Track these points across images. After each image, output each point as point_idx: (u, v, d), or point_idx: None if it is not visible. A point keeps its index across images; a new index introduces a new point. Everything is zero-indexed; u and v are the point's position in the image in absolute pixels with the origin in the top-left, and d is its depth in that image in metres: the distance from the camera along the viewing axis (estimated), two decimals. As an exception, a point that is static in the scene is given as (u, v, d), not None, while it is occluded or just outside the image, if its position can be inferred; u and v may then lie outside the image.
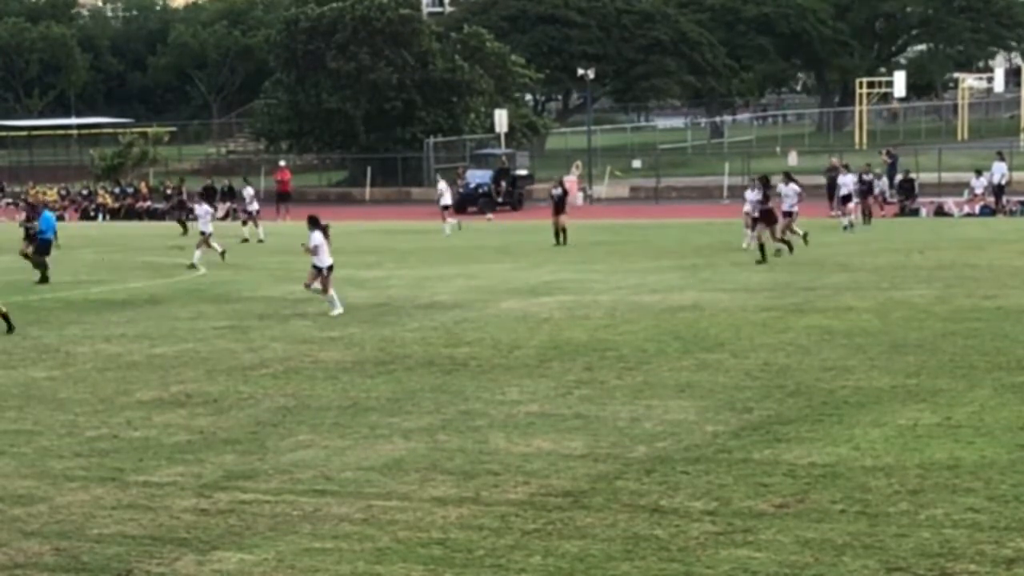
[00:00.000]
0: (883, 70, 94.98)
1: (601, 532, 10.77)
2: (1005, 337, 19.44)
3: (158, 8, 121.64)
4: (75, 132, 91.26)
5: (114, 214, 66.49)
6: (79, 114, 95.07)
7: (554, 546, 10.45)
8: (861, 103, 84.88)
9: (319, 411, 15.82)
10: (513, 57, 78.00)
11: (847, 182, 42.04)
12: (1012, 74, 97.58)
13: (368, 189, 70.58)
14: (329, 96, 72.61)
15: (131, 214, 65.06)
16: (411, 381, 17.55)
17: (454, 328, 22.18)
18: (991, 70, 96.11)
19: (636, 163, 73.38)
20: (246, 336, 22.00)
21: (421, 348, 20.18)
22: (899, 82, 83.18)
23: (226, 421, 15.45)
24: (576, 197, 63.73)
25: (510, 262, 34.11)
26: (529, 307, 24.65)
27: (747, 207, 34.53)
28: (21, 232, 34.50)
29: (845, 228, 40.52)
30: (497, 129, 69.13)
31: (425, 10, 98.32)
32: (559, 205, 39.75)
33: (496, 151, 67.05)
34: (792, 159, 67.41)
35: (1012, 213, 50.54)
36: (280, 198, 59.24)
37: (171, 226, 57.16)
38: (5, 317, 23.20)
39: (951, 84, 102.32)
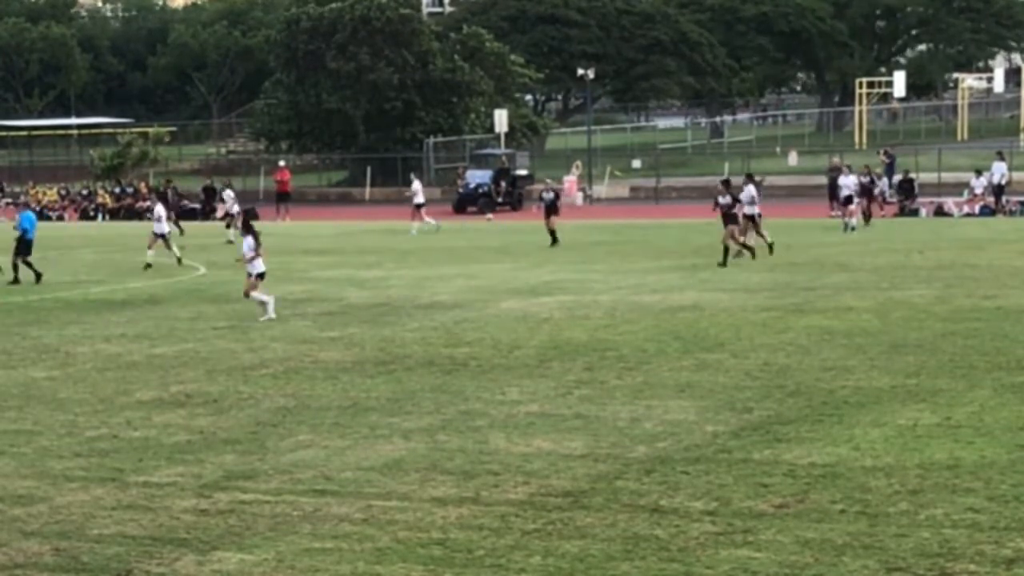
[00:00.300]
0: (883, 70, 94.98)
1: (601, 532, 10.77)
2: (1005, 337, 19.44)
3: (158, 7, 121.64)
4: (75, 132, 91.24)
5: (114, 214, 66.47)
6: (79, 114, 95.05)
7: (554, 546, 10.45)
8: (861, 103, 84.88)
9: (319, 411, 15.82)
10: (513, 57, 77.99)
11: (849, 183, 41.91)
12: (1012, 74, 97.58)
13: (368, 189, 70.58)
14: (329, 96, 72.61)
15: (131, 214, 65.02)
16: (411, 381, 17.55)
17: (454, 328, 22.18)
18: (991, 70, 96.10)
19: (636, 163, 73.35)
20: (246, 336, 22.00)
21: (421, 348, 20.18)
22: (899, 82, 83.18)
23: (226, 421, 15.45)
24: (576, 197, 63.75)
25: (510, 262, 34.11)
26: (529, 307, 24.65)
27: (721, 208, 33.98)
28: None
29: (845, 229, 40.22)
30: (497, 129, 69.12)
31: (425, 10, 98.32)
32: (550, 208, 39.62)
33: (496, 151, 67.04)
34: (792, 159, 67.42)
35: (1012, 213, 50.52)
36: (280, 198, 59.25)
37: (170, 225, 57.14)
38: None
39: (951, 84, 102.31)
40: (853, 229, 40.23)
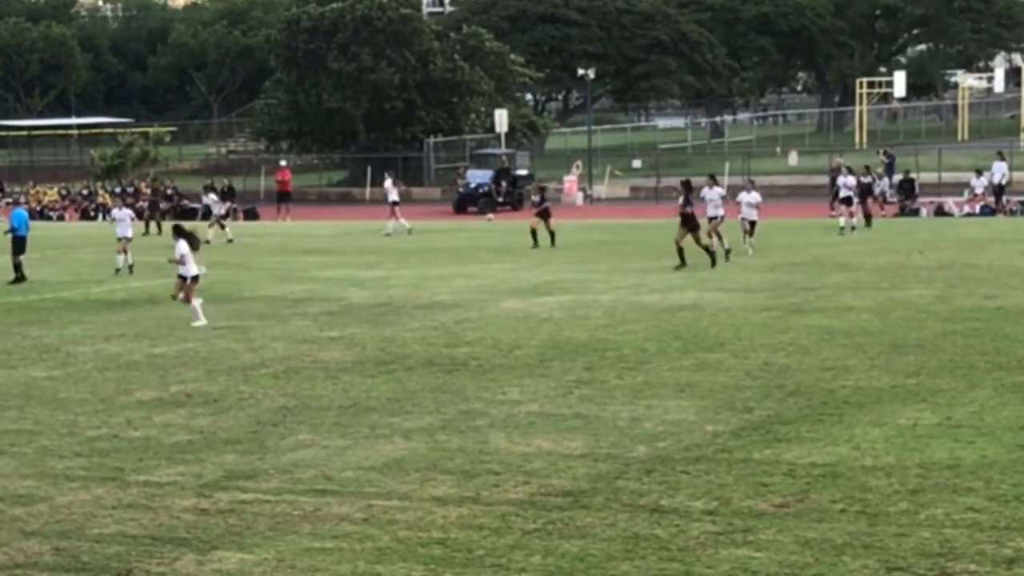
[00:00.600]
0: (883, 70, 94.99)
1: (601, 532, 10.77)
2: (1005, 337, 19.45)
3: (158, 7, 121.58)
4: (75, 132, 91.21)
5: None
6: (79, 114, 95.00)
7: (554, 546, 10.45)
8: (861, 103, 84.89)
9: (319, 411, 15.82)
10: (513, 57, 78.00)
11: (848, 183, 41.83)
12: (1012, 74, 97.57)
13: (368, 189, 70.57)
14: (330, 96, 72.63)
15: (153, 213, 64.86)
16: (411, 381, 17.55)
17: (454, 328, 22.18)
18: (991, 70, 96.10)
19: (636, 163, 73.36)
20: (246, 336, 22.00)
21: (421, 348, 20.18)
22: (899, 82, 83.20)
23: (226, 421, 15.45)
24: (576, 197, 63.77)
25: (510, 262, 34.11)
26: (529, 307, 24.65)
27: (710, 211, 33.06)
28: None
29: (842, 230, 39.94)
30: (497, 129, 69.12)
31: (425, 10, 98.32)
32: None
33: (496, 151, 67.04)
34: (792, 159, 67.43)
35: (1012, 213, 50.55)
36: (281, 198, 59.27)
37: (171, 226, 57.15)
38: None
39: (951, 84, 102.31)
40: (853, 229, 40.08)
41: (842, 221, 40.27)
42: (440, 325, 22.57)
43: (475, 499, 11.84)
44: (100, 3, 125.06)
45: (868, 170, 44.09)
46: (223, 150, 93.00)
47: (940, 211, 51.95)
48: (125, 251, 34.25)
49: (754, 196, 34.37)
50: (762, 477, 12.20)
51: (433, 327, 22.33)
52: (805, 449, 13.22)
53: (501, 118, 68.70)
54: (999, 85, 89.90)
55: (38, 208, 66.46)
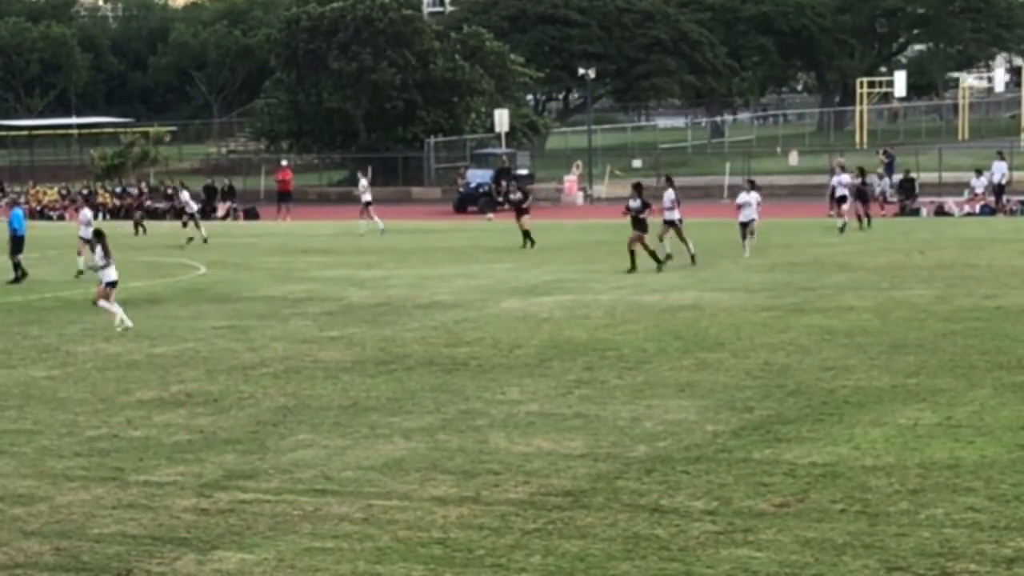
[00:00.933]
0: (883, 70, 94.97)
1: (601, 532, 10.77)
2: (1005, 337, 19.45)
3: (158, 7, 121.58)
4: (76, 132, 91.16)
5: (114, 214, 66.48)
6: (80, 114, 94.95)
7: (554, 546, 10.45)
8: (861, 103, 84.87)
9: (319, 411, 15.82)
10: (513, 57, 77.98)
11: (842, 181, 41.71)
12: (1012, 74, 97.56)
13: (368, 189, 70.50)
14: (330, 96, 72.62)
15: (131, 214, 65.00)
16: (411, 381, 17.55)
17: (454, 328, 22.18)
18: (991, 70, 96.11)
19: (636, 163, 73.26)
20: (246, 336, 22.00)
21: (421, 348, 20.18)
22: (899, 82, 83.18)
23: (226, 421, 15.45)
24: (576, 197, 63.76)
25: (510, 262, 34.10)
26: (529, 307, 24.65)
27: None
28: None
29: (841, 230, 39.75)
30: (497, 129, 69.10)
31: (426, 9, 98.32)
32: (519, 208, 39.07)
33: (496, 151, 67.03)
34: (793, 159, 67.41)
35: (1012, 213, 50.55)
36: (281, 198, 59.27)
37: (172, 225, 57.18)
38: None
39: (951, 84, 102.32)
40: (842, 229, 39.60)
41: (840, 222, 40.10)
42: (440, 325, 22.57)
43: (475, 499, 11.84)
44: (100, 3, 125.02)
45: (861, 171, 43.64)
46: (223, 150, 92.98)
47: (940, 211, 51.93)
48: (80, 253, 32.90)
49: (753, 196, 34.07)
50: (762, 477, 12.20)
51: (433, 327, 22.33)
52: (805, 449, 13.22)
53: (501, 118, 68.69)
54: (999, 85, 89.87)
55: (38, 208, 66.46)
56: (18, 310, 26.66)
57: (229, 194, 64.91)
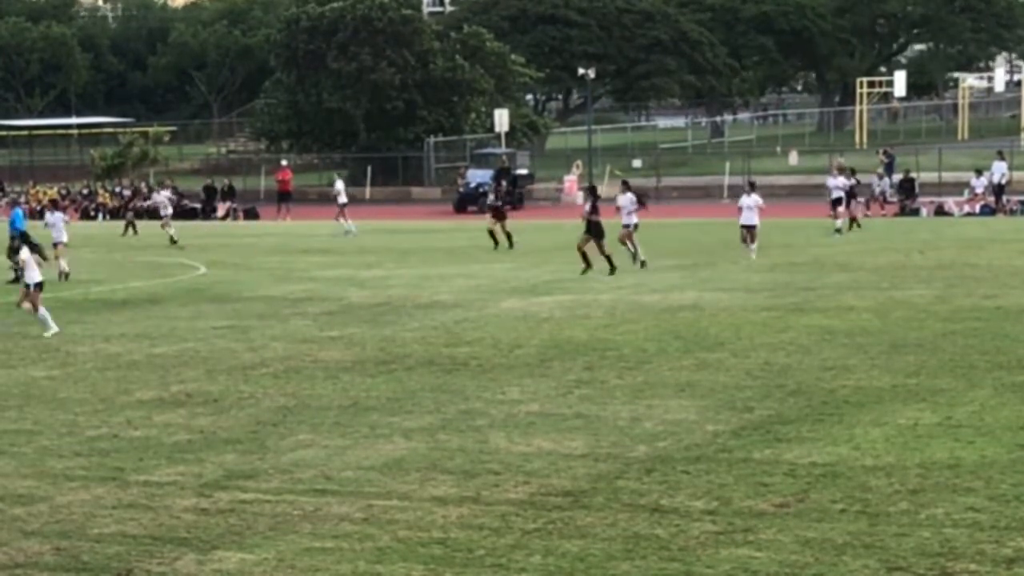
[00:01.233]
0: (883, 69, 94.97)
1: (601, 532, 10.76)
2: (1005, 337, 19.45)
3: (158, 7, 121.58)
4: (75, 132, 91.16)
5: (114, 214, 66.48)
6: (79, 114, 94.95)
7: (554, 546, 10.44)
8: (861, 103, 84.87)
9: (319, 411, 15.81)
10: (513, 57, 77.98)
11: (837, 184, 41.67)
12: (1012, 74, 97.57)
13: (368, 188, 70.58)
14: (330, 96, 72.63)
15: (135, 214, 64.98)
16: (411, 381, 17.54)
17: (454, 328, 22.18)
18: (991, 70, 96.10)
19: (636, 163, 73.30)
20: (246, 336, 21.99)
21: (421, 348, 20.17)
22: (899, 82, 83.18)
23: (226, 421, 15.45)
24: (576, 197, 63.74)
25: (510, 262, 34.10)
26: (529, 307, 24.65)
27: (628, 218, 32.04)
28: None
29: (838, 231, 39.67)
30: (497, 129, 69.12)
31: (425, 10, 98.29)
32: (495, 210, 38.55)
33: (496, 151, 67.04)
34: (793, 159, 67.42)
35: (1012, 213, 50.56)
36: (281, 198, 59.30)
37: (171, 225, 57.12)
38: None
39: (951, 84, 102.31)
40: (838, 231, 39.50)
41: (838, 223, 39.98)
42: (440, 325, 22.57)
43: (475, 499, 11.83)
44: (100, 3, 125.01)
45: (852, 173, 43.35)
46: (223, 150, 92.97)
47: (940, 211, 51.95)
48: (58, 257, 32.01)
49: (754, 199, 33.38)
50: (762, 477, 12.20)
51: (433, 327, 22.33)
52: (805, 449, 13.22)
53: (501, 118, 68.70)
54: (999, 85, 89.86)
55: (38, 208, 66.44)
56: (18, 310, 26.65)
57: (229, 194, 64.90)
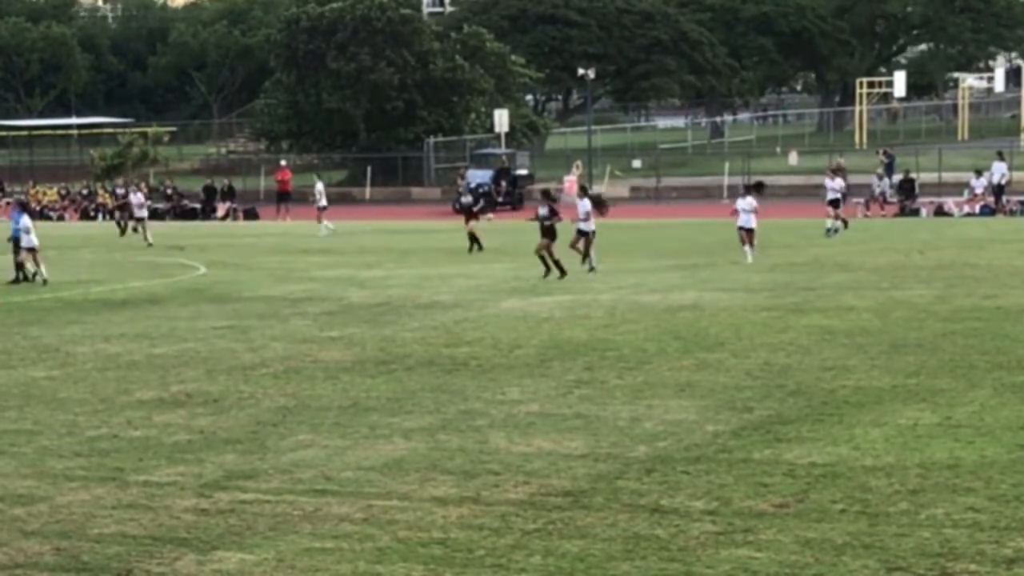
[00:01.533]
0: (883, 70, 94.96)
1: (601, 532, 10.76)
2: (1005, 337, 19.45)
3: (158, 7, 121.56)
4: (75, 132, 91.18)
5: (114, 214, 66.49)
6: (79, 114, 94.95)
7: (554, 546, 10.44)
8: (861, 103, 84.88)
9: (319, 411, 15.81)
10: (513, 57, 77.99)
11: (835, 186, 41.63)
12: (1012, 74, 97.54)
13: (368, 189, 70.60)
14: (329, 96, 72.63)
15: (114, 214, 65.05)
16: (411, 381, 17.54)
17: (454, 328, 22.18)
18: (991, 70, 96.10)
19: (636, 163, 73.35)
20: (246, 336, 21.99)
21: (421, 348, 20.17)
22: (899, 82, 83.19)
23: (226, 421, 15.45)
24: (576, 197, 63.69)
25: (510, 262, 34.09)
26: (529, 307, 24.65)
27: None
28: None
29: (834, 231, 39.66)
30: (497, 129, 69.13)
31: (425, 10, 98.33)
32: (468, 212, 38.04)
33: (496, 151, 67.07)
34: (793, 159, 67.42)
35: (1012, 213, 50.57)
36: (280, 198, 59.32)
37: (171, 225, 57.19)
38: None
39: (951, 84, 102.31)
40: (834, 232, 39.41)
41: (833, 223, 39.97)
42: (440, 325, 22.57)
43: (475, 499, 11.83)
44: (100, 3, 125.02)
45: (834, 175, 42.87)
46: (223, 150, 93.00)
47: (940, 211, 51.97)
48: (36, 263, 31.48)
49: (749, 201, 32.76)
50: (762, 477, 12.20)
51: (433, 327, 22.33)
52: (805, 449, 13.22)
53: (501, 118, 68.71)
54: (999, 85, 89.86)
55: (38, 208, 66.46)
56: (18, 310, 26.66)
57: (229, 194, 64.93)
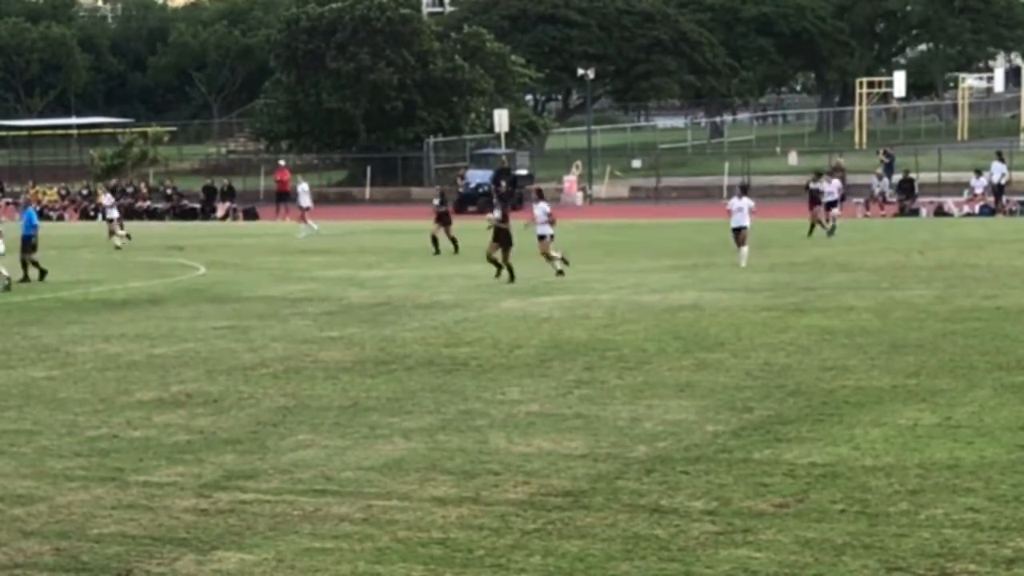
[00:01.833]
0: (883, 70, 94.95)
1: (601, 532, 10.76)
2: (1005, 337, 19.45)
3: (158, 4, 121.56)
4: (75, 132, 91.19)
5: (106, 215, 66.44)
6: (79, 114, 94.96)
7: (554, 546, 10.44)
8: (861, 103, 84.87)
9: (319, 411, 15.81)
10: (513, 57, 77.98)
11: (832, 189, 41.58)
12: (1012, 74, 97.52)
13: (368, 189, 70.59)
14: (329, 96, 72.63)
15: (131, 214, 65.10)
16: (411, 381, 17.54)
17: (454, 328, 22.18)
18: (991, 70, 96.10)
19: (636, 163, 73.34)
20: (246, 336, 21.99)
21: (421, 348, 20.17)
22: (899, 82, 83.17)
23: (226, 421, 15.45)
24: (576, 197, 63.76)
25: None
26: (529, 307, 24.65)
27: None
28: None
29: (831, 233, 39.68)
30: (497, 129, 69.12)
31: (425, 10, 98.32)
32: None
33: (496, 151, 67.04)
34: (792, 159, 67.41)
35: (1012, 213, 50.57)
36: (280, 198, 59.29)
37: (171, 225, 57.23)
38: None
39: (951, 84, 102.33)
40: (832, 233, 39.44)
41: (829, 224, 39.99)
42: (440, 325, 22.57)
43: (475, 499, 11.83)
44: (100, 3, 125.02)
45: (818, 177, 42.62)
46: (223, 150, 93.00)
47: (940, 211, 51.97)
48: None
49: (745, 202, 32.07)
50: (762, 477, 12.20)
51: (433, 327, 22.33)
52: (805, 449, 13.22)
53: (501, 118, 68.70)
54: (999, 85, 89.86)
55: (38, 208, 66.42)
56: (18, 310, 26.66)
57: (228, 194, 64.91)
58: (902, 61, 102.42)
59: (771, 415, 14.80)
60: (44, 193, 72.32)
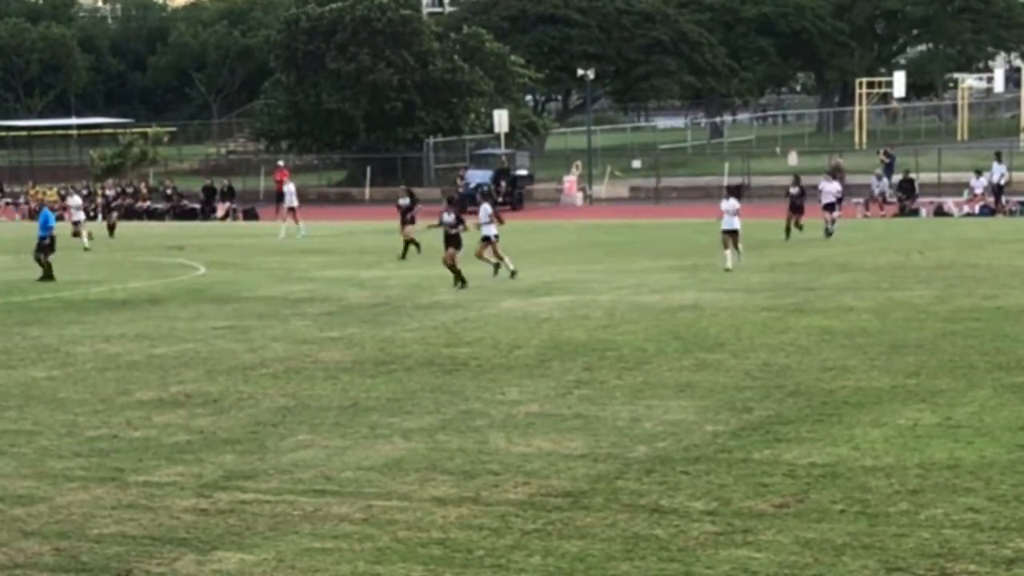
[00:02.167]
0: (883, 70, 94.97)
1: (601, 532, 10.76)
2: (1005, 337, 19.45)
3: (158, 4, 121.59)
4: (75, 132, 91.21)
5: (105, 215, 66.44)
6: (79, 114, 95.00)
7: (554, 546, 10.44)
8: (861, 103, 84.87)
9: (319, 411, 15.81)
10: (513, 57, 77.99)
11: (831, 190, 41.53)
12: (1012, 74, 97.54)
13: (368, 189, 70.59)
14: (329, 96, 72.65)
15: (131, 214, 65.09)
16: (411, 381, 17.54)
17: (454, 328, 22.18)
18: (991, 70, 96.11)
19: (636, 163, 73.35)
20: (246, 336, 21.99)
21: (421, 348, 20.17)
22: (899, 82, 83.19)
23: (226, 421, 15.45)
24: (576, 197, 63.78)
25: (509, 262, 34.02)
26: (529, 307, 24.65)
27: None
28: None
29: (827, 235, 39.59)
30: (497, 129, 69.13)
31: (425, 10, 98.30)
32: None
33: (496, 151, 67.07)
34: (792, 159, 67.40)
35: (1012, 213, 50.57)
36: (280, 198, 59.20)
37: (171, 226, 57.23)
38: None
39: (951, 84, 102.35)
40: (830, 235, 39.41)
41: (829, 226, 39.93)
42: (440, 325, 22.57)
43: (475, 499, 11.84)
44: (100, 3, 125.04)
45: (796, 179, 42.32)
46: (223, 150, 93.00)
47: (940, 211, 51.97)
48: None
49: (733, 203, 31.61)
50: (762, 477, 12.20)
51: (433, 327, 22.33)
52: (805, 449, 13.22)
53: (501, 118, 68.71)
54: (999, 85, 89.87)
55: (37, 208, 66.44)
56: (18, 310, 26.66)
57: (228, 195, 64.92)
58: (902, 61, 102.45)
59: (771, 415, 14.80)
60: (44, 193, 72.34)
